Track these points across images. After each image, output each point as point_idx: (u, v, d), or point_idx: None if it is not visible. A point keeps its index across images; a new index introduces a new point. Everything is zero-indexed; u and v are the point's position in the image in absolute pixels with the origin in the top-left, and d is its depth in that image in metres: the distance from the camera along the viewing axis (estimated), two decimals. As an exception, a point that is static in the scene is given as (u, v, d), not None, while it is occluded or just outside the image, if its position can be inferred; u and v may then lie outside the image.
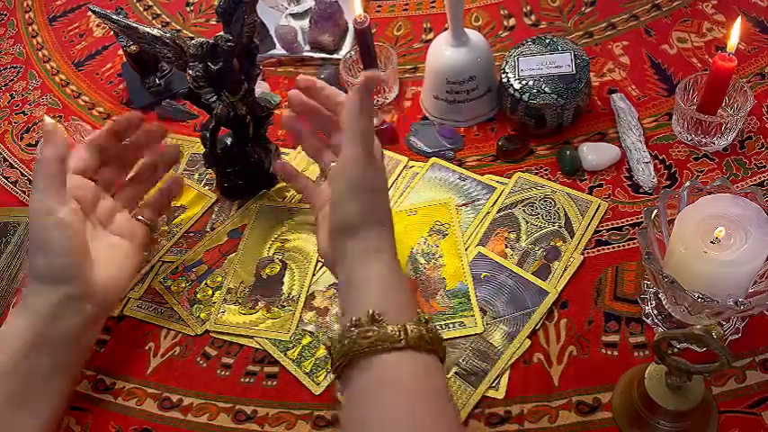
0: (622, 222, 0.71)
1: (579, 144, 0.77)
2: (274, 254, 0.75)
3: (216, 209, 0.81)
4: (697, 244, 0.54)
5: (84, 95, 1.01)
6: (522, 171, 0.77)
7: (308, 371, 0.65)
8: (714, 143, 0.74)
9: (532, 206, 0.73)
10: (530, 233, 0.71)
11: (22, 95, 1.04)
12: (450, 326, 0.65)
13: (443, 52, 0.80)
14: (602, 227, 0.71)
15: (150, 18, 1.12)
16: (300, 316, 0.69)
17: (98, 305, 0.61)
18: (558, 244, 0.69)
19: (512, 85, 0.78)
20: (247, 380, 0.66)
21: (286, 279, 0.72)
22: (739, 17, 0.71)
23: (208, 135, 0.74)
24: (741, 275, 0.54)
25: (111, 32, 1.08)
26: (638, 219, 0.71)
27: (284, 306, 0.70)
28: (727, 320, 0.61)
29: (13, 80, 1.07)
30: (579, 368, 0.61)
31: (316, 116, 0.66)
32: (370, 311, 0.49)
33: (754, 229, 0.53)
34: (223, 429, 0.63)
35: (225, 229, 0.79)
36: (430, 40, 0.86)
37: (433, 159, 0.80)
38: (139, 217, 0.71)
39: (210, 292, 0.73)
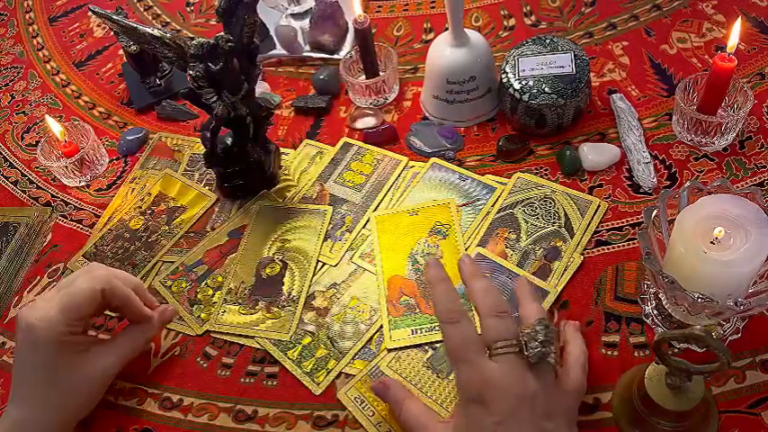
0: (622, 222, 0.71)
1: (579, 144, 0.77)
2: (274, 254, 0.75)
3: (216, 209, 0.81)
4: (697, 244, 0.54)
5: (84, 95, 1.01)
6: (522, 171, 0.77)
7: (308, 371, 0.65)
8: (714, 143, 0.74)
9: (532, 206, 0.73)
10: (530, 233, 0.71)
11: (23, 95, 1.04)
12: (451, 326, 0.65)
13: (443, 52, 0.80)
14: (602, 227, 0.71)
15: (150, 18, 1.12)
16: (300, 316, 0.69)
17: None
18: (558, 244, 0.69)
19: (512, 85, 0.78)
20: (247, 380, 0.66)
21: (286, 279, 0.72)
22: (739, 17, 0.71)
23: (208, 135, 0.74)
24: (741, 275, 0.54)
25: (112, 32, 1.08)
26: (638, 219, 0.71)
27: (284, 306, 0.70)
28: (727, 320, 0.60)
29: (13, 80, 1.07)
30: (579, 368, 0.61)
31: None
32: None
33: (754, 229, 0.53)
34: (223, 429, 0.63)
35: (225, 229, 0.79)
36: (430, 40, 0.86)
37: (433, 159, 0.80)
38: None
39: (211, 292, 0.73)
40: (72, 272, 0.78)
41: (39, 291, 0.78)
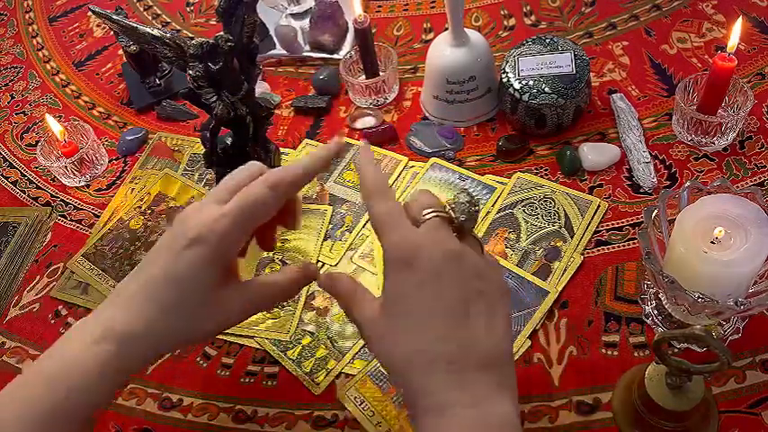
0: (622, 222, 0.71)
1: (579, 144, 0.77)
2: (274, 254, 0.75)
3: (216, 209, 0.81)
4: (697, 244, 0.54)
5: (84, 95, 1.01)
6: (522, 171, 0.77)
7: (307, 371, 0.65)
8: (714, 143, 0.74)
9: (532, 206, 0.73)
10: (530, 233, 0.71)
11: (23, 95, 1.04)
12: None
13: (443, 52, 0.80)
14: (602, 227, 0.71)
15: (150, 18, 1.12)
16: (300, 316, 0.69)
17: None
18: (558, 244, 0.69)
19: (512, 85, 0.78)
20: (247, 380, 0.66)
21: (286, 279, 0.72)
22: (739, 17, 0.71)
23: (208, 135, 0.74)
24: (741, 275, 0.54)
25: (112, 32, 1.08)
26: (638, 219, 0.71)
27: (284, 306, 0.70)
28: (728, 320, 0.60)
29: (13, 80, 1.07)
30: (579, 368, 0.61)
31: None
32: None
33: (754, 229, 0.53)
34: (223, 429, 0.63)
35: (225, 229, 0.79)
36: (430, 40, 0.86)
37: (433, 159, 0.80)
38: None
39: (210, 292, 0.73)
40: (71, 272, 0.78)
41: (39, 290, 0.78)
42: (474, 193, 0.75)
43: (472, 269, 0.45)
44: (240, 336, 0.69)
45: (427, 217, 0.46)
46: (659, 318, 0.62)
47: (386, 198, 0.47)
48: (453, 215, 0.47)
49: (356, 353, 0.66)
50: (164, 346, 0.49)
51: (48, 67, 1.08)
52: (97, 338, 0.45)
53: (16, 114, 1.01)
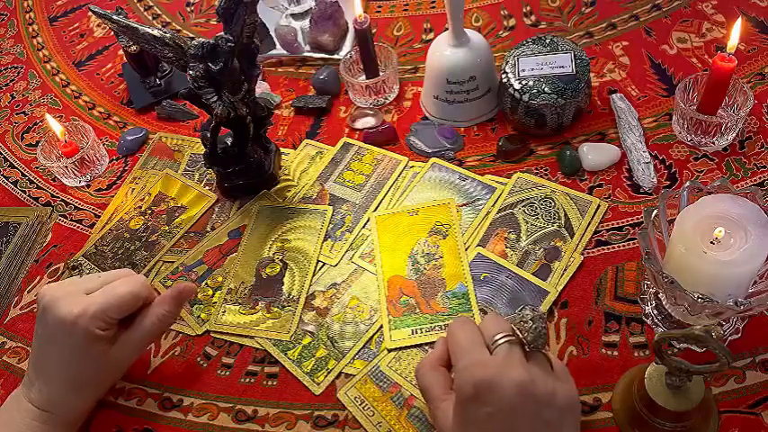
0: (622, 222, 0.71)
1: (579, 144, 0.77)
2: (274, 254, 0.75)
3: (216, 209, 0.81)
4: (697, 244, 0.54)
5: (84, 95, 1.01)
6: (522, 171, 0.77)
7: (308, 371, 0.65)
8: (714, 143, 0.74)
9: (532, 206, 0.73)
10: (530, 233, 0.71)
11: (23, 95, 1.04)
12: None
13: (443, 52, 0.80)
14: (603, 227, 0.71)
15: (150, 18, 1.12)
16: (300, 316, 0.69)
17: None
18: (558, 244, 0.69)
19: (512, 85, 0.78)
20: (247, 380, 0.66)
21: (286, 279, 0.72)
22: (739, 17, 0.71)
23: (208, 135, 0.74)
24: (741, 275, 0.54)
25: (112, 32, 1.08)
26: (638, 219, 0.71)
27: (284, 306, 0.70)
28: (727, 320, 0.61)
29: (13, 80, 1.07)
30: (579, 368, 0.61)
31: None
32: None
33: (754, 229, 0.53)
34: (223, 429, 0.63)
35: (225, 229, 0.79)
36: (430, 40, 0.86)
37: (433, 159, 0.80)
38: None
39: (211, 292, 0.73)
40: (71, 272, 0.78)
41: (38, 291, 0.78)
42: (475, 194, 0.76)
43: (542, 399, 0.47)
44: (240, 336, 0.69)
45: (498, 343, 0.49)
46: (659, 318, 0.62)
47: (468, 326, 0.53)
48: (521, 336, 0.49)
49: (356, 353, 0.66)
50: (82, 411, 0.63)
51: (48, 67, 1.08)
52: (34, 416, 0.59)
53: (16, 114, 1.01)
